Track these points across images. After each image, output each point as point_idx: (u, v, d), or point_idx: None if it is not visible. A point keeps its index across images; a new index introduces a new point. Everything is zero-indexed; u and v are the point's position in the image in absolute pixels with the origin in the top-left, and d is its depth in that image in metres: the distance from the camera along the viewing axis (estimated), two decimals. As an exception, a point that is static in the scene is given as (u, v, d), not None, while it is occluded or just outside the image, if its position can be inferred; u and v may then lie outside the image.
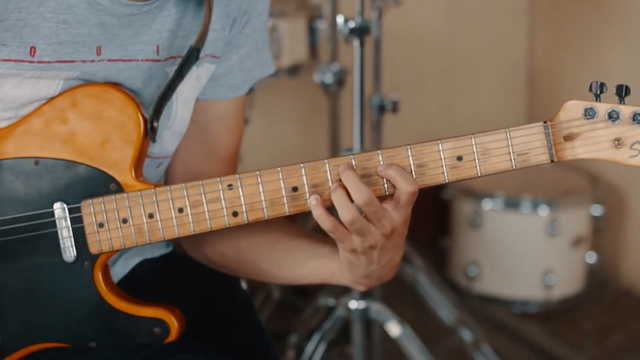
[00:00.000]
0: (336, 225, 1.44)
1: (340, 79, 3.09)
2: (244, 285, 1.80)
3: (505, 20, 4.04)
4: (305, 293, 3.25)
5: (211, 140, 1.68)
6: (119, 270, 1.67)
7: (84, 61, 1.50)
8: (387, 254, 1.50)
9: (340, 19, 2.51)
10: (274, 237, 1.64)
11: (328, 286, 2.88)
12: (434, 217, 3.69)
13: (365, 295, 2.66)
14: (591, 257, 3.55)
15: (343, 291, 2.75)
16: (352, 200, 1.43)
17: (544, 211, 3.39)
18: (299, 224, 3.00)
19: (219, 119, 1.68)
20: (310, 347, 2.75)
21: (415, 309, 3.08)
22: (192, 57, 1.55)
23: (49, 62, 1.47)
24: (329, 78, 3.08)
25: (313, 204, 1.44)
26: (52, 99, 1.50)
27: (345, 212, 1.43)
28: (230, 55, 1.65)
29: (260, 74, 1.71)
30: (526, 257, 3.45)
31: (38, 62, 1.46)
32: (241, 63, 1.66)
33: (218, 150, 1.69)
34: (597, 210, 3.54)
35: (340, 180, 1.44)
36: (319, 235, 1.63)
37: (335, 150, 3.30)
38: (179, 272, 1.73)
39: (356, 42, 2.50)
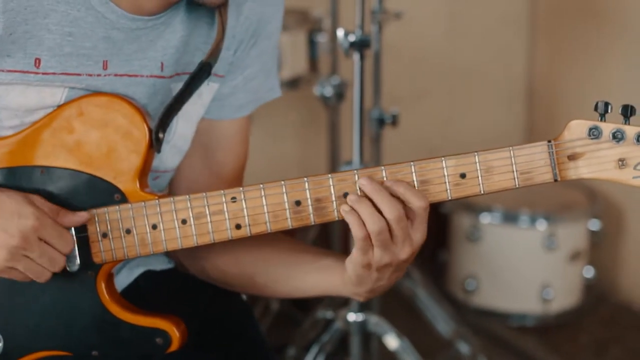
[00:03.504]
0: (368, 234, 1.43)
1: (340, 92, 3.09)
2: (243, 297, 1.81)
3: (505, 34, 4.05)
4: (304, 305, 3.25)
5: (215, 160, 1.69)
6: (123, 280, 1.68)
7: (90, 75, 1.51)
8: (397, 272, 1.51)
9: (340, 33, 2.51)
10: (273, 252, 1.65)
11: (326, 298, 2.88)
12: (432, 230, 3.67)
13: (363, 308, 2.66)
14: (589, 272, 3.55)
15: (341, 304, 2.75)
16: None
17: (542, 225, 3.39)
18: (298, 237, 3.03)
19: (223, 138, 1.69)
20: (308, 359, 2.75)
21: (413, 321, 3.07)
22: (203, 71, 1.55)
23: (54, 73, 1.48)
24: (328, 91, 3.08)
25: (346, 210, 1.43)
26: (58, 107, 1.51)
27: (374, 221, 1.42)
28: (235, 75, 1.65)
29: (267, 96, 1.71)
30: (524, 271, 3.45)
31: (43, 73, 1.47)
32: (246, 84, 1.67)
33: (222, 170, 1.69)
34: (594, 224, 3.54)
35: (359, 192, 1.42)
36: (320, 249, 1.63)
37: (334, 163, 3.30)
38: (181, 283, 1.73)
39: (356, 56, 2.51)
